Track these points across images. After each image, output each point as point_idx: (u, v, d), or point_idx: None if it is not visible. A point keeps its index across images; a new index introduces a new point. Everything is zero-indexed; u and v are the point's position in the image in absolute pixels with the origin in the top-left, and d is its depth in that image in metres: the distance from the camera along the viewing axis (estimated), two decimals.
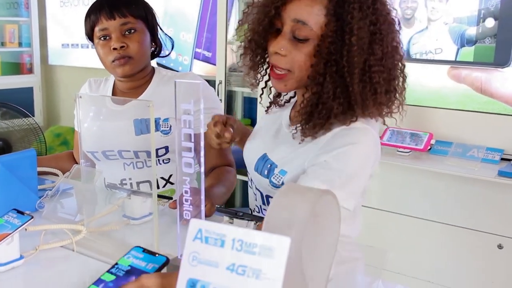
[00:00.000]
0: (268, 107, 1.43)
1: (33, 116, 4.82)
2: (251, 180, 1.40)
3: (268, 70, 1.31)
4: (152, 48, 1.74)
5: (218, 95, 3.46)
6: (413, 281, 2.48)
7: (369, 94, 1.16)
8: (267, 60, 1.29)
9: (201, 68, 3.85)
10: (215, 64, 3.61)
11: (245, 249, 0.68)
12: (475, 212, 2.35)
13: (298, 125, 1.24)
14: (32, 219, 1.07)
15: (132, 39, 1.63)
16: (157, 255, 0.98)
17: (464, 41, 2.44)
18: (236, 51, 1.33)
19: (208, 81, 3.79)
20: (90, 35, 1.70)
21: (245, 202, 3.51)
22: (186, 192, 0.99)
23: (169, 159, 1.67)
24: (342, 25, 1.13)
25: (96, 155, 1.68)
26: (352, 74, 1.14)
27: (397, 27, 1.20)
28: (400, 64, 1.21)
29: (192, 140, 0.96)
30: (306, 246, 0.79)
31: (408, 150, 2.39)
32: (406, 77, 1.22)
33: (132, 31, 1.64)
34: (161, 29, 1.77)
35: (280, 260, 0.66)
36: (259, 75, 1.34)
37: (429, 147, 2.42)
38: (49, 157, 1.86)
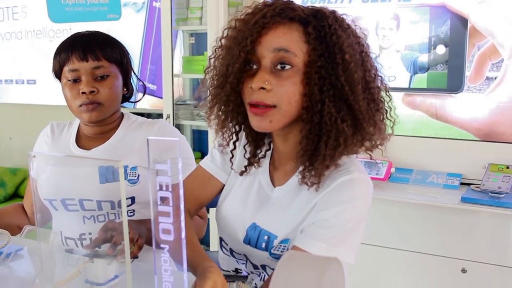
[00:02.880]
0: (243, 171, 1.29)
1: None
2: (229, 249, 1.29)
3: (238, 127, 1.23)
4: (123, 93, 1.63)
5: None
6: None
7: (373, 110, 1.11)
8: (239, 111, 1.19)
9: (146, 101, 3.72)
10: (161, 97, 3.50)
11: None
12: (438, 237, 2.34)
13: (300, 170, 1.15)
14: None
15: (104, 84, 1.52)
16: None
17: (416, 68, 2.46)
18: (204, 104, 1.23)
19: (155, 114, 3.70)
20: (57, 74, 1.57)
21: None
22: (165, 261, 0.89)
23: (133, 210, 1.54)
24: (327, 47, 1.07)
25: (54, 203, 1.54)
26: (355, 91, 1.07)
27: (370, 49, 1.16)
28: (383, 85, 1.17)
29: (171, 204, 0.86)
30: None
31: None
32: (391, 98, 1.18)
33: (105, 76, 1.52)
34: (135, 73, 1.66)
35: None
36: (228, 132, 1.24)
37: (389, 176, 2.40)
38: None
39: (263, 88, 1.08)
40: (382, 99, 1.15)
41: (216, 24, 2.99)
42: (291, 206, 1.17)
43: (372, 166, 2.38)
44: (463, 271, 2.30)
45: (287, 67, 1.08)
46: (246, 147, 1.27)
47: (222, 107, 1.19)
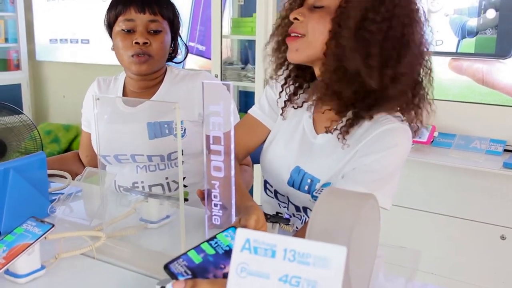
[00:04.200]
0: (283, 108, 1.37)
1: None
2: (274, 190, 1.37)
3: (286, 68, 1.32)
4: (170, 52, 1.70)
5: None
6: (415, 272, 2.47)
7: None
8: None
9: (195, 62, 3.80)
10: (209, 58, 3.57)
11: (298, 259, 0.66)
12: (478, 203, 2.35)
13: (338, 126, 1.23)
14: (53, 228, 1.03)
15: (156, 38, 1.59)
16: None
17: (465, 33, 2.43)
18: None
19: None
20: (111, 24, 1.64)
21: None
22: (215, 196, 0.97)
23: (182, 162, 1.62)
24: None
25: (108, 159, 1.63)
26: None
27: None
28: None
29: (222, 143, 0.93)
30: (351, 251, 0.77)
31: (412, 143, 2.37)
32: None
33: (158, 30, 1.60)
34: (180, 37, 1.74)
35: (337, 271, 0.63)
36: (280, 70, 1.35)
37: (432, 140, 2.41)
38: (54, 158, 1.79)
39: (297, 19, 1.22)
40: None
41: None
42: (333, 152, 1.24)
43: None
44: (502, 238, 2.31)
45: (319, 7, 1.20)
46: (290, 85, 1.37)
47: (276, 39, 1.33)
